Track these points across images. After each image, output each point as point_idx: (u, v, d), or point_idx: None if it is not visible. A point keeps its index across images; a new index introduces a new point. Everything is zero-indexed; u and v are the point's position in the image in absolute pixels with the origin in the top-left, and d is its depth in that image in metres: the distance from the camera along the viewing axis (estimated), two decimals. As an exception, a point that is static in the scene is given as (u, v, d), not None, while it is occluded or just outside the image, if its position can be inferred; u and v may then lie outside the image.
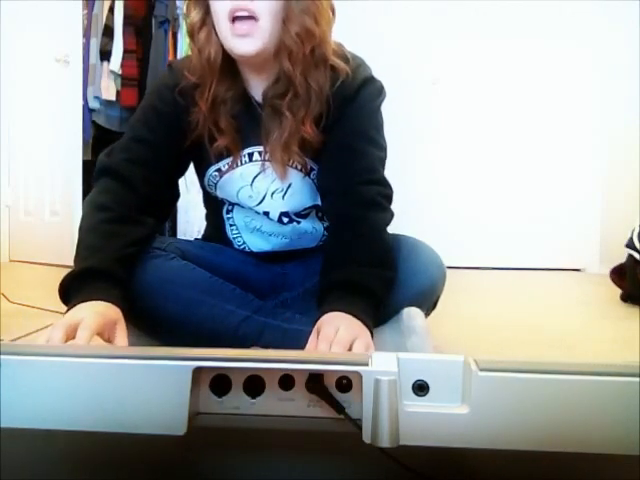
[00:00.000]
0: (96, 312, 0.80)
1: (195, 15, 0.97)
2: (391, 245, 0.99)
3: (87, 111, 3.21)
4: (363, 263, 0.93)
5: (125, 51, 3.19)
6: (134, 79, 3.20)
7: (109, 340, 0.81)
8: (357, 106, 1.02)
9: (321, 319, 0.85)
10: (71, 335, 0.75)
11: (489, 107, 3.38)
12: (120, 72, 3.20)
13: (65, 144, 3.08)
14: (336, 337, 0.77)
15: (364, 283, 0.90)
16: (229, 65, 0.99)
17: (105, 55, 3.21)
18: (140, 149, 1.02)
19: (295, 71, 0.95)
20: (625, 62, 3.19)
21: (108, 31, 3.20)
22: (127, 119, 3.37)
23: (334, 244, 1.01)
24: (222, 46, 0.96)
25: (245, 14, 0.90)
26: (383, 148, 1.05)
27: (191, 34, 0.99)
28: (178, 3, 3.16)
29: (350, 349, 0.77)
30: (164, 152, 1.03)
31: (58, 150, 3.13)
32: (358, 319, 0.84)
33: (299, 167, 1.05)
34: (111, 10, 3.20)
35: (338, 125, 1.01)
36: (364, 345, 0.78)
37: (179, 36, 3.17)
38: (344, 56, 1.02)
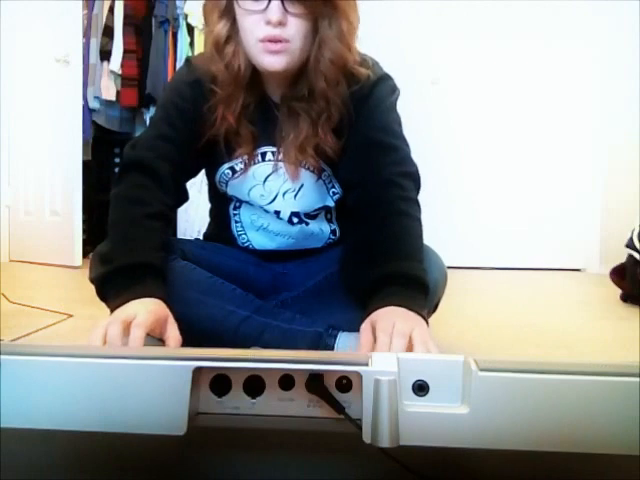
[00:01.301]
0: (147, 310, 0.80)
1: (222, 28, 0.97)
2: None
3: (87, 111, 3.22)
4: (412, 257, 0.92)
5: (125, 51, 3.20)
6: (134, 79, 3.20)
7: (161, 336, 0.81)
8: (373, 103, 1.03)
9: (377, 313, 0.83)
10: (126, 332, 0.75)
11: (489, 107, 3.38)
12: (120, 72, 3.21)
13: (65, 144, 3.08)
14: (395, 328, 0.75)
15: (420, 276, 0.89)
16: (253, 74, 1.00)
17: (105, 55, 3.21)
18: (166, 147, 1.02)
19: (330, 91, 0.97)
20: (625, 62, 3.19)
21: (108, 31, 3.21)
22: (127, 119, 3.38)
23: (376, 236, 0.96)
24: (249, 59, 0.97)
25: (277, 40, 0.91)
26: (407, 143, 1.05)
27: (217, 48, 0.98)
28: (178, 3, 3.16)
29: (410, 342, 0.74)
30: (186, 149, 1.04)
31: (58, 150, 3.13)
32: (414, 312, 0.83)
33: (311, 168, 1.06)
34: (111, 10, 3.21)
35: (357, 123, 1.02)
36: (424, 335, 0.76)
37: (179, 36, 3.17)
38: (364, 62, 1.02)
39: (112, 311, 0.83)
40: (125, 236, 0.93)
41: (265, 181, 1.08)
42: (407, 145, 1.05)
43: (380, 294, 0.87)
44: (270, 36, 0.91)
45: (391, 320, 0.78)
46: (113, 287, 0.87)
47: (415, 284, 0.89)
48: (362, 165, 1.01)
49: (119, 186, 1.00)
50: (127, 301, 0.82)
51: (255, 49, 0.94)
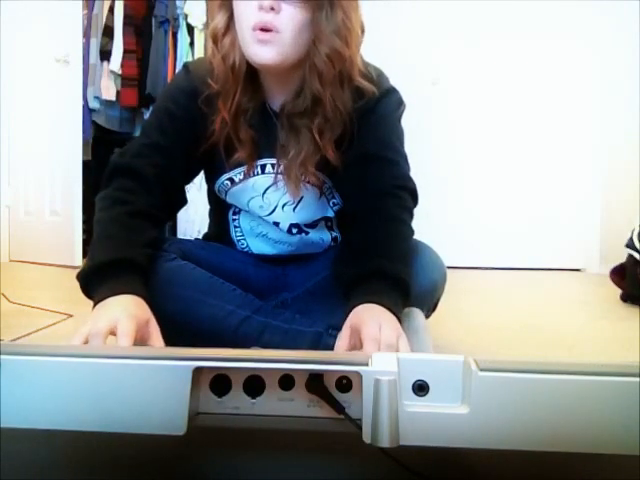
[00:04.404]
0: (129, 315, 0.77)
1: (220, 20, 0.96)
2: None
3: (87, 111, 3.22)
4: (399, 259, 0.92)
5: (125, 51, 3.20)
6: (134, 79, 3.20)
7: (142, 340, 0.79)
8: (377, 117, 1.02)
9: (359, 314, 0.83)
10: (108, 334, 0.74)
11: (489, 107, 3.38)
12: (120, 72, 3.21)
13: (65, 144, 3.08)
14: (382, 336, 0.76)
15: (404, 279, 0.90)
16: (251, 73, 0.98)
17: (105, 55, 3.21)
18: (154, 154, 1.01)
19: (325, 92, 0.94)
20: (625, 62, 3.19)
21: (108, 31, 3.21)
22: (127, 119, 3.38)
23: (366, 236, 0.96)
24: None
25: (269, 28, 0.89)
26: (408, 161, 1.05)
27: (215, 40, 0.97)
28: (178, 3, 3.16)
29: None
30: (177, 156, 1.02)
31: (58, 150, 3.13)
32: (393, 314, 0.83)
33: (312, 182, 1.05)
34: (111, 10, 3.21)
35: (360, 135, 1.01)
36: (406, 343, 0.77)
37: (179, 36, 3.17)
38: (369, 76, 1.01)
39: (94, 306, 0.82)
40: (106, 233, 0.92)
41: (264, 193, 1.08)
42: (407, 163, 1.05)
43: (362, 290, 0.87)
44: (261, 23, 0.89)
45: (376, 324, 0.78)
46: (94, 283, 0.86)
47: (397, 285, 0.89)
48: (361, 177, 1.01)
49: (105, 190, 1.00)
50: (106, 297, 0.81)
51: (246, 38, 0.91)
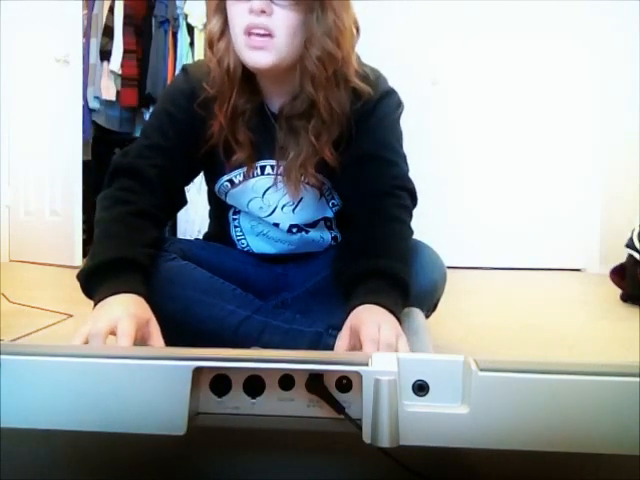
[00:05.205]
0: (129, 314, 0.77)
1: (215, 24, 0.96)
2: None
3: (87, 111, 3.22)
4: (398, 258, 0.92)
5: (125, 51, 3.20)
6: (134, 79, 3.20)
7: (142, 340, 0.79)
8: (376, 119, 1.02)
9: (358, 314, 0.83)
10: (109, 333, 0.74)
11: (489, 108, 3.38)
12: (120, 72, 3.21)
13: (65, 144, 3.08)
14: (381, 337, 0.76)
15: (403, 278, 0.90)
16: (248, 76, 0.98)
17: (105, 55, 3.22)
18: (155, 155, 1.01)
19: (318, 95, 0.94)
20: (625, 62, 3.19)
21: (108, 31, 3.21)
22: (127, 119, 3.38)
23: (366, 236, 0.97)
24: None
25: (262, 31, 0.89)
26: (407, 162, 1.05)
27: (210, 44, 0.97)
28: (178, 3, 3.16)
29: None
30: (178, 158, 1.03)
31: (58, 150, 3.13)
32: (394, 314, 0.83)
33: (311, 183, 1.05)
34: (111, 10, 3.21)
35: (359, 137, 1.01)
36: (405, 343, 0.77)
37: (179, 36, 3.17)
38: (366, 76, 1.00)
39: (94, 305, 0.82)
40: (107, 233, 0.92)
41: (264, 194, 1.08)
42: (406, 163, 1.05)
43: (361, 290, 0.87)
44: (253, 25, 0.88)
45: (375, 324, 0.78)
46: (94, 283, 0.86)
47: (397, 285, 0.89)
48: (360, 178, 1.01)
49: (106, 189, 1.00)
50: (107, 296, 0.81)
51: (240, 43, 0.91)
